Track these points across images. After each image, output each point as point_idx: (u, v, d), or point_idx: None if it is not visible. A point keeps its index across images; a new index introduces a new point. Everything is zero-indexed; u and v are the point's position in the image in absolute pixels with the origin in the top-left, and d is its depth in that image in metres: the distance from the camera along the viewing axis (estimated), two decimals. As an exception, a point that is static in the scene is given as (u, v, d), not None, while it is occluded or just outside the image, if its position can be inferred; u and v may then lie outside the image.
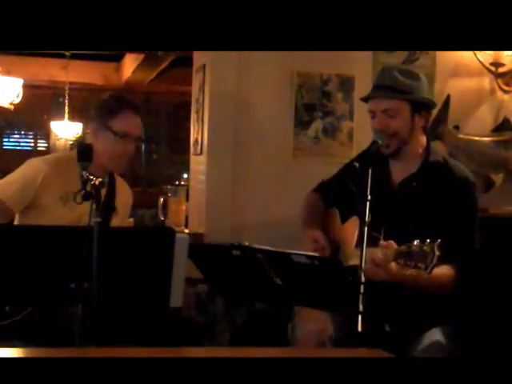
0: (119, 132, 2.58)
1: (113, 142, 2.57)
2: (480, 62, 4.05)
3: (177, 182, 4.27)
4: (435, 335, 2.32)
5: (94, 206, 1.98)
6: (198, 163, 4.07)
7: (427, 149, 2.51)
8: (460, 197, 2.41)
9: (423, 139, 2.52)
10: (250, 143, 3.86)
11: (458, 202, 2.40)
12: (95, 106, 2.68)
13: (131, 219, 4.61)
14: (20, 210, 2.53)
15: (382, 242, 2.21)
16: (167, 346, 2.10)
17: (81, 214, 2.54)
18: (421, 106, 2.46)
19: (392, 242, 2.14)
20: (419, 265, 2.00)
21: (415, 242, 2.02)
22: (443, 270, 2.23)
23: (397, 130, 2.42)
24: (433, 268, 1.98)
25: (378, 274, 2.15)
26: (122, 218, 2.71)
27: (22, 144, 8.93)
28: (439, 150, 2.81)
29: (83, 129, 7.47)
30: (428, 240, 1.99)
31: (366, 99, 2.53)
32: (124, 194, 2.79)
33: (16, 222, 2.56)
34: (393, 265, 2.11)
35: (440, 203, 2.39)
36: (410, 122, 2.44)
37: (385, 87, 2.45)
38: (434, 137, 3.68)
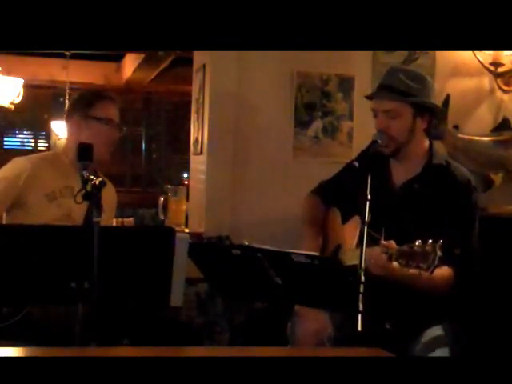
0: (102, 118, 2.62)
1: (98, 130, 2.60)
2: (479, 61, 4.06)
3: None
4: (436, 331, 2.33)
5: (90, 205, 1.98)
6: (198, 163, 4.07)
7: (430, 151, 2.51)
8: (461, 200, 2.41)
9: (425, 142, 2.52)
10: (249, 143, 3.87)
11: (459, 204, 2.40)
12: (73, 100, 2.74)
13: (131, 219, 4.62)
14: (5, 209, 2.54)
15: (382, 242, 2.21)
16: (167, 345, 2.10)
17: (68, 210, 2.55)
18: (423, 109, 2.46)
19: (392, 242, 2.15)
20: (421, 265, 2.00)
21: (417, 243, 2.03)
22: (442, 272, 2.24)
23: (396, 131, 2.42)
24: (434, 268, 1.98)
25: (378, 273, 2.16)
26: (108, 216, 2.70)
27: (22, 144, 8.93)
28: (439, 149, 2.81)
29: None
30: (430, 240, 2.00)
31: (369, 97, 2.54)
32: (109, 193, 2.77)
33: (3, 222, 2.56)
34: (394, 264, 2.11)
35: (441, 206, 2.39)
36: (411, 124, 2.44)
37: (388, 88, 2.45)
38: (434, 137, 3.68)
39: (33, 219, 2.47)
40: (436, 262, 1.97)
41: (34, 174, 2.53)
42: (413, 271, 2.06)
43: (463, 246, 2.34)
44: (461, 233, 2.35)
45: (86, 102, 2.66)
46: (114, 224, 3.93)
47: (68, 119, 2.72)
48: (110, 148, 2.66)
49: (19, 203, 2.52)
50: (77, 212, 2.50)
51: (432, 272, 2.00)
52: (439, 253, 1.96)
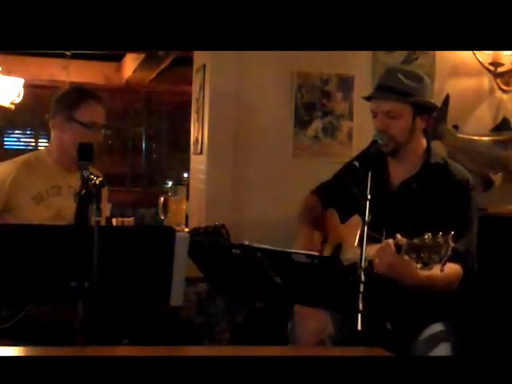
0: (86, 122, 2.57)
1: (81, 133, 2.54)
2: (479, 61, 4.06)
3: (171, 183, 4.27)
4: (437, 326, 2.34)
5: (92, 206, 1.97)
6: (198, 162, 4.08)
7: (428, 151, 2.52)
8: (460, 198, 2.41)
9: (423, 141, 2.52)
10: (249, 143, 3.87)
11: (457, 203, 2.40)
12: (56, 99, 2.67)
13: (131, 218, 4.62)
14: None
15: (383, 240, 2.21)
16: (167, 344, 2.11)
17: (57, 210, 2.54)
18: (422, 109, 2.46)
19: (400, 236, 2.13)
20: (433, 257, 1.98)
21: (426, 236, 2.01)
22: (451, 268, 2.24)
23: (396, 131, 2.42)
24: (447, 260, 1.97)
25: (386, 269, 2.16)
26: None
27: (22, 143, 8.93)
28: (438, 149, 2.81)
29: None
30: (440, 233, 1.99)
31: (368, 98, 2.54)
32: None
33: None
34: (406, 258, 2.10)
35: (440, 204, 2.39)
36: (411, 124, 2.44)
37: (387, 88, 2.45)
38: (434, 136, 3.69)
39: (23, 222, 2.46)
40: (448, 254, 1.95)
41: (19, 178, 2.52)
42: (420, 266, 2.05)
43: (464, 244, 2.33)
44: (460, 231, 2.35)
45: (69, 103, 2.60)
46: (114, 223, 3.94)
47: (51, 119, 2.68)
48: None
49: (8, 208, 2.51)
50: (66, 210, 2.48)
51: (444, 264, 1.98)
52: (452, 244, 1.95)
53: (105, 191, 2.82)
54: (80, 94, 2.63)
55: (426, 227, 2.21)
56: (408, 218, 2.41)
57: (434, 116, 2.61)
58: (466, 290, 2.41)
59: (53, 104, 2.68)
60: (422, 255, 2.02)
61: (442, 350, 2.30)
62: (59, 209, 2.55)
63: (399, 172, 2.52)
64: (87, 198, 2.01)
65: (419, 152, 2.51)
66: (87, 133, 2.56)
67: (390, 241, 2.15)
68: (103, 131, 2.64)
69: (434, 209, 2.39)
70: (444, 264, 1.98)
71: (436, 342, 2.31)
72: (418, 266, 2.05)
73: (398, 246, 2.11)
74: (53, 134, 2.71)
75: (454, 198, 2.40)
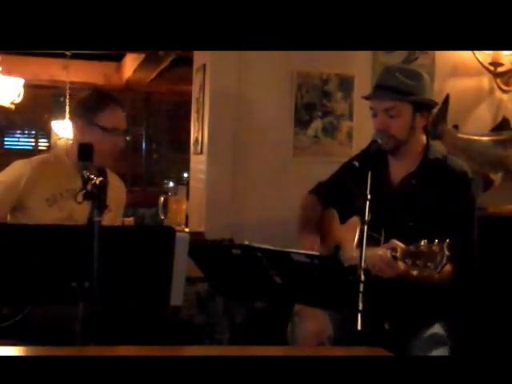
0: (107, 127, 2.56)
1: (101, 138, 2.52)
2: (479, 61, 4.06)
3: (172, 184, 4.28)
4: (434, 328, 2.34)
5: (91, 205, 1.97)
6: (198, 162, 4.08)
7: (427, 147, 2.52)
8: (459, 192, 2.41)
9: (423, 138, 2.53)
10: (249, 143, 3.87)
11: (456, 197, 2.40)
12: (78, 103, 2.66)
13: (131, 218, 4.61)
14: (5, 213, 2.52)
15: (382, 244, 2.22)
16: (167, 344, 2.11)
17: (69, 213, 2.53)
18: (422, 106, 2.47)
19: (398, 242, 2.14)
20: (428, 264, 2.00)
21: (422, 242, 2.03)
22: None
23: (397, 130, 2.42)
24: (442, 268, 1.98)
25: (385, 273, 2.16)
26: (115, 215, 2.68)
27: (23, 143, 8.94)
28: (439, 148, 2.81)
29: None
30: (436, 240, 2.00)
31: (368, 98, 2.54)
32: (116, 189, 2.73)
33: None
34: (400, 264, 2.11)
35: (439, 199, 2.40)
36: (411, 122, 2.45)
37: (386, 87, 2.45)
38: (434, 136, 3.69)
39: (34, 222, 2.46)
40: (444, 262, 1.97)
41: (34, 178, 2.52)
42: (416, 273, 2.06)
43: (463, 238, 2.33)
44: (460, 225, 2.35)
45: (91, 107, 2.58)
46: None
47: (72, 121, 2.67)
48: (113, 156, 2.60)
49: (20, 207, 2.51)
50: (79, 214, 2.48)
51: (439, 272, 2.00)
52: (447, 252, 1.96)
53: (123, 195, 2.81)
54: (102, 98, 2.61)
55: (427, 223, 2.22)
56: (408, 215, 2.41)
57: (434, 116, 2.62)
58: (465, 289, 2.41)
59: (74, 107, 2.67)
60: (417, 262, 2.03)
61: (440, 350, 2.30)
62: (72, 212, 2.53)
63: (399, 170, 2.52)
64: (89, 197, 2.00)
65: (419, 149, 2.51)
66: (107, 137, 2.55)
67: (387, 251, 2.15)
68: (124, 137, 2.63)
69: (433, 204, 2.39)
70: (439, 271, 1.99)
71: (434, 342, 2.32)
72: (414, 272, 2.06)
73: (394, 257, 2.12)
74: (73, 136, 2.71)
75: (453, 192, 2.41)
